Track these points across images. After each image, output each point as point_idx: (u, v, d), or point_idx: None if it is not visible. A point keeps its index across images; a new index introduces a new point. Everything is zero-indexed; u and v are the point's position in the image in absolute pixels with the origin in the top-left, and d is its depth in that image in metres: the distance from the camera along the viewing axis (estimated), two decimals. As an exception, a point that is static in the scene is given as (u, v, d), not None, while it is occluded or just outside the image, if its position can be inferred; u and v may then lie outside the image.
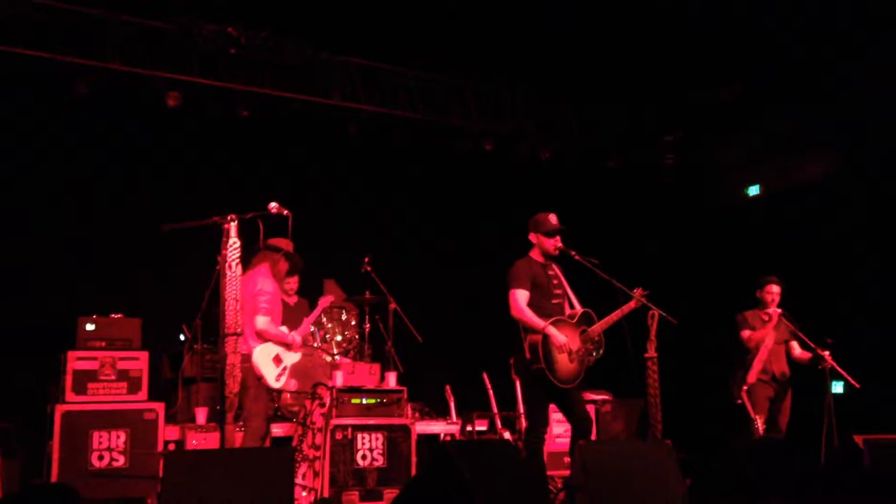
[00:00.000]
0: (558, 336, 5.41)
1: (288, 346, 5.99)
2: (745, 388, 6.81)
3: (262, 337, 5.80)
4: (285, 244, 6.03)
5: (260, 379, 5.76)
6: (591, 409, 7.61)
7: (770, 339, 6.85)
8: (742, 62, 8.74)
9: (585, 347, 5.53)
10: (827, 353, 6.70)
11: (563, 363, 5.42)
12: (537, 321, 5.45)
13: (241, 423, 5.82)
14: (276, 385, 5.90)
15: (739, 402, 6.85)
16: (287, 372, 6.01)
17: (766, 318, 6.91)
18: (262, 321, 5.76)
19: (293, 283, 7.19)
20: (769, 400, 6.83)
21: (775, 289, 6.93)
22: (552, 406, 5.64)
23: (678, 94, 9.61)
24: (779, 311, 6.85)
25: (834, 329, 7.10)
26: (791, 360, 7.00)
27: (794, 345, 6.99)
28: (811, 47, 8.18)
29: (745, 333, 6.94)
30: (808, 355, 6.90)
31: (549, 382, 5.39)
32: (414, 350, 7.38)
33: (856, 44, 7.97)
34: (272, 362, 5.84)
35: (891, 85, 8.05)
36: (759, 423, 6.65)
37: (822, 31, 7.89)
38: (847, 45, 8.00)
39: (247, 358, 5.64)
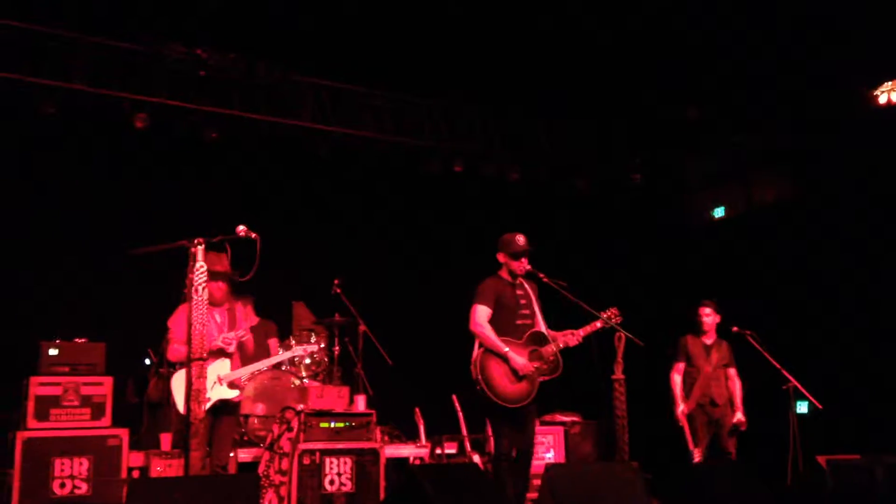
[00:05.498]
0: (517, 359, 5.44)
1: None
2: (684, 412, 6.90)
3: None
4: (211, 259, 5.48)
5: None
6: (559, 430, 7.66)
7: (708, 366, 6.95)
8: (707, 85, 8.87)
9: (537, 368, 5.50)
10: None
11: (506, 383, 5.42)
12: (497, 343, 5.47)
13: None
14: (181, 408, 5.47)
15: (682, 425, 6.92)
16: (221, 382, 5.63)
17: (709, 342, 7.04)
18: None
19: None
20: (709, 424, 6.89)
21: (706, 311, 7.05)
22: None
23: (646, 115, 9.71)
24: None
25: (794, 349, 7.21)
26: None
27: (731, 372, 7.06)
28: (772, 74, 8.35)
29: (674, 377, 7.01)
30: (736, 388, 6.99)
31: (494, 403, 5.39)
32: (384, 372, 7.35)
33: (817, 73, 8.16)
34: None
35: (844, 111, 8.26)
36: (697, 455, 6.72)
37: (785, 60, 8.08)
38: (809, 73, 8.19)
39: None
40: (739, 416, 6.84)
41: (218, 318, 5.83)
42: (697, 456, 6.68)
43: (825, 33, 7.62)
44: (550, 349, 5.54)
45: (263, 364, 6.19)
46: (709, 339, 7.06)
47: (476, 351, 5.53)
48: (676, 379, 7.01)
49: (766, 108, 8.83)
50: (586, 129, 10.10)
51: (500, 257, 5.74)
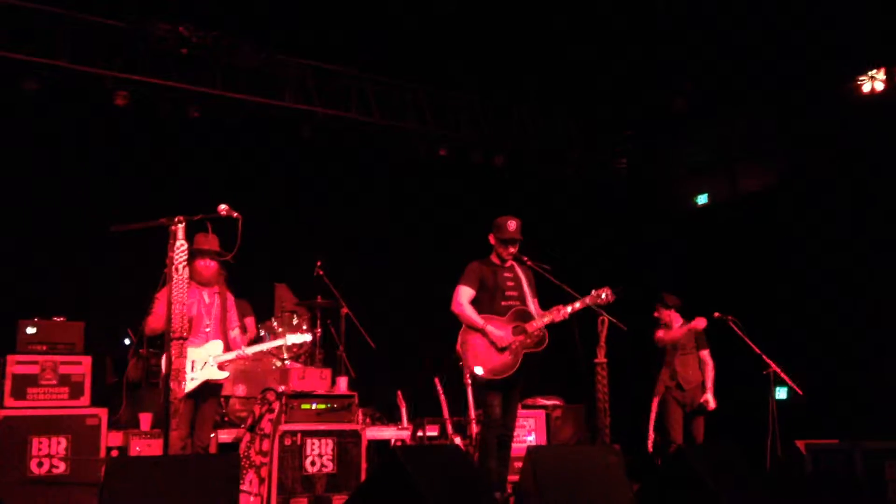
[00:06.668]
0: (495, 332, 5.48)
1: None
2: (656, 398, 6.99)
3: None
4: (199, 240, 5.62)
5: None
6: (541, 414, 7.67)
7: (677, 349, 7.02)
8: (692, 73, 8.87)
9: (521, 341, 5.53)
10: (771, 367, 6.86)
11: (489, 356, 5.46)
12: (475, 319, 5.53)
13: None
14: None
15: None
16: (198, 366, 5.60)
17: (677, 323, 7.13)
18: None
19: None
20: (682, 407, 6.93)
21: (662, 309, 7.15)
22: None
23: (632, 103, 9.71)
24: (703, 322, 6.94)
25: (774, 335, 7.23)
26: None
27: (704, 354, 7.11)
28: (757, 64, 8.36)
29: (660, 333, 7.09)
30: (708, 369, 7.03)
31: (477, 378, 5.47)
32: (366, 355, 7.33)
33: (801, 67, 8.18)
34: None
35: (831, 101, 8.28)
36: (650, 441, 6.82)
37: (771, 51, 8.09)
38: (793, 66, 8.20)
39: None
40: (707, 396, 6.90)
41: (206, 299, 5.78)
42: (650, 442, 6.76)
43: (811, 23, 7.63)
44: (534, 324, 5.57)
45: (265, 346, 6.07)
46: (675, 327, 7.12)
47: (463, 333, 5.57)
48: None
49: (752, 97, 8.84)
50: (573, 117, 10.07)
51: (491, 239, 5.75)
